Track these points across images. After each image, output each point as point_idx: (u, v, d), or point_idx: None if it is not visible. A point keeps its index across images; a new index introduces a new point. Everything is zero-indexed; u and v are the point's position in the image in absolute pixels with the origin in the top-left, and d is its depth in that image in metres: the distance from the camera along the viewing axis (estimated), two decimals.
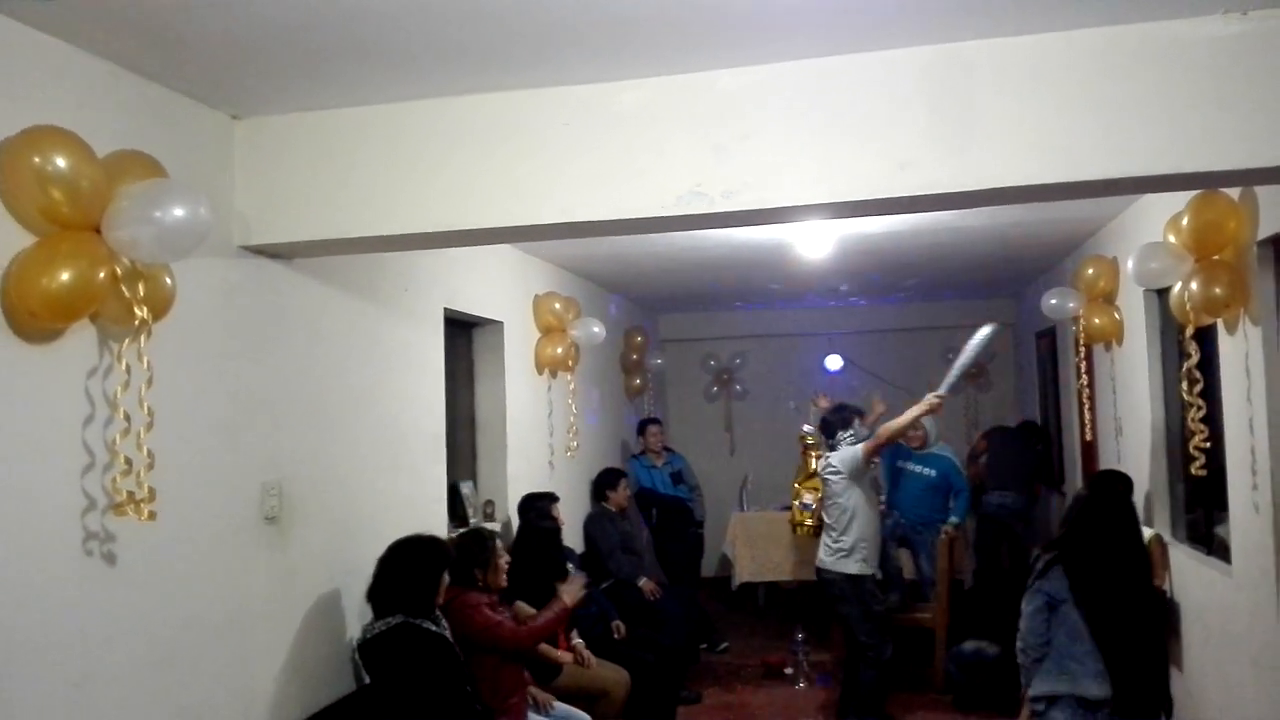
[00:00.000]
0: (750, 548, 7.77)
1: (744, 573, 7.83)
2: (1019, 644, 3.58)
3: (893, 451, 6.57)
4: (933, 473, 6.59)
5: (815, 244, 5.94)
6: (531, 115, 2.94)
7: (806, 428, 6.62)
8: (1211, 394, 3.98)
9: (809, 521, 6.51)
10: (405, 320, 4.27)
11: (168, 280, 2.59)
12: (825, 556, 5.39)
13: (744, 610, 8.01)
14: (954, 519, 6.63)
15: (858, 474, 5.32)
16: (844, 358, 9.55)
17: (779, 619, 7.66)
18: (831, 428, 5.63)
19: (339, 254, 3.52)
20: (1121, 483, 3.78)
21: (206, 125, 3.03)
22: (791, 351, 9.88)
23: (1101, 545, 3.51)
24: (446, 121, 3.00)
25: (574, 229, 3.03)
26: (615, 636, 5.48)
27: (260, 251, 3.22)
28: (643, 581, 6.25)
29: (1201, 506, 4.51)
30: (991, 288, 8.66)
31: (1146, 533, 4.69)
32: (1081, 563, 3.49)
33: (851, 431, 5.47)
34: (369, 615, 3.56)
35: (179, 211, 2.41)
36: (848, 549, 5.29)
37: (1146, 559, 3.65)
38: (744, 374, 10.06)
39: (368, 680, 3.56)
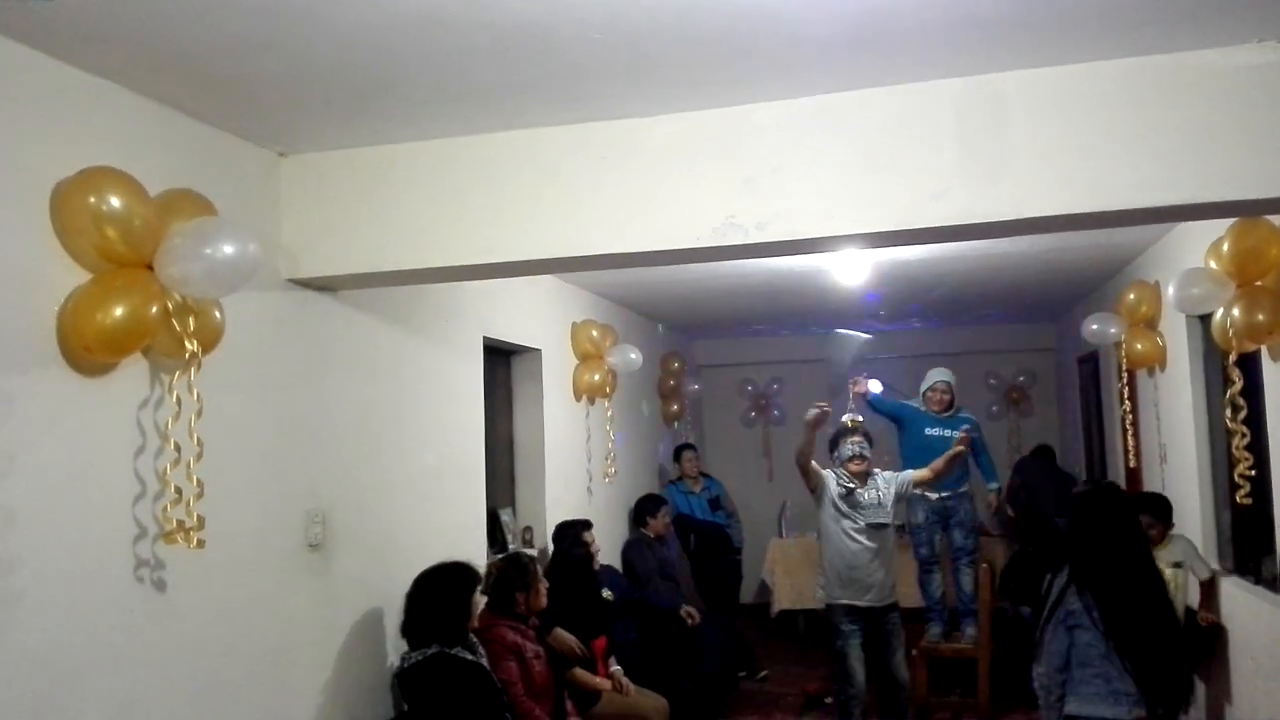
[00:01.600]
0: (789, 574, 7.71)
1: (783, 599, 7.77)
2: (1040, 680, 3.37)
3: (916, 420, 6.43)
4: (959, 435, 6.45)
5: (852, 271, 5.95)
6: (568, 150, 3.01)
7: (849, 417, 5.94)
8: (1257, 421, 3.93)
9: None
10: (445, 349, 4.35)
11: (217, 314, 2.67)
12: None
13: (783, 638, 7.94)
14: (993, 485, 6.49)
15: (817, 498, 5.20)
16: (883, 383, 9.49)
17: (819, 646, 7.58)
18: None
19: (382, 286, 3.60)
20: (1113, 494, 3.57)
21: (254, 162, 3.13)
22: (829, 377, 9.83)
23: (1111, 559, 3.29)
24: (485, 157, 3.08)
25: (610, 260, 3.08)
26: (689, 623, 5.75)
27: (306, 284, 3.30)
28: (686, 609, 6.24)
29: (1249, 535, 4.44)
30: (1032, 312, 8.59)
31: (1200, 569, 4.61)
32: (1095, 580, 3.27)
33: (836, 453, 5.27)
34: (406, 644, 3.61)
35: (229, 248, 2.49)
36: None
37: (1154, 567, 3.38)
38: (782, 399, 10.04)
39: (406, 707, 3.59)
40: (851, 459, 5.17)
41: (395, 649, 3.70)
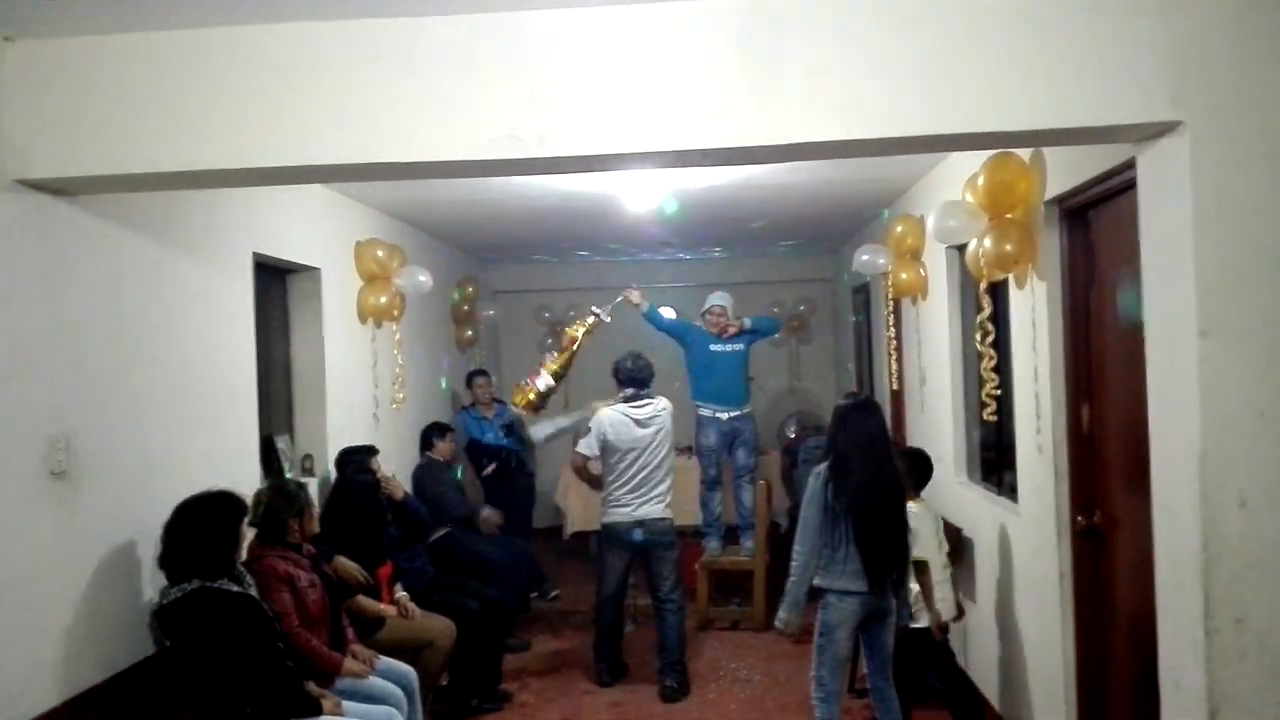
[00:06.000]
0: (582, 497, 7.82)
1: (576, 522, 7.91)
2: (796, 558, 3.97)
3: (700, 339, 6.78)
4: (741, 346, 6.82)
5: (641, 197, 5.97)
6: (338, 48, 2.80)
7: (600, 309, 6.10)
8: (1004, 346, 4.26)
9: (531, 396, 6.18)
10: (209, 265, 4.05)
11: None
12: (664, 509, 5.66)
13: (576, 559, 8.10)
14: (774, 335, 7.17)
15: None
16: (676, 310, 9.69)
17: None
18: (640, 380, 5.77)
19: (129, 190, 3.29)
20: (865, 405, 4.14)
21: None
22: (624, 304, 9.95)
23: (861, 458, 3.96)
24: (248, 51, 2.83)
25: (380, 170, 2.93)
26: (485, 530, 6.24)
27: (40, 187, 2.97)
28: (486, 512, 6.24)
29: (994, 449, 4.85)
30: (813, 244, 8.97)
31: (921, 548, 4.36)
32: (847, 475, 3.93)
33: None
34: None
35: None
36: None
37: (892, 471, 4.02)
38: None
39: (169, 644, 3.40)
40: None
41: (154, 584, 3.48)
